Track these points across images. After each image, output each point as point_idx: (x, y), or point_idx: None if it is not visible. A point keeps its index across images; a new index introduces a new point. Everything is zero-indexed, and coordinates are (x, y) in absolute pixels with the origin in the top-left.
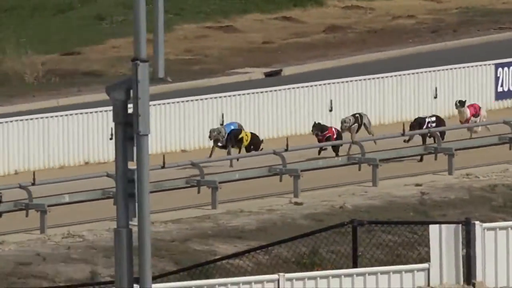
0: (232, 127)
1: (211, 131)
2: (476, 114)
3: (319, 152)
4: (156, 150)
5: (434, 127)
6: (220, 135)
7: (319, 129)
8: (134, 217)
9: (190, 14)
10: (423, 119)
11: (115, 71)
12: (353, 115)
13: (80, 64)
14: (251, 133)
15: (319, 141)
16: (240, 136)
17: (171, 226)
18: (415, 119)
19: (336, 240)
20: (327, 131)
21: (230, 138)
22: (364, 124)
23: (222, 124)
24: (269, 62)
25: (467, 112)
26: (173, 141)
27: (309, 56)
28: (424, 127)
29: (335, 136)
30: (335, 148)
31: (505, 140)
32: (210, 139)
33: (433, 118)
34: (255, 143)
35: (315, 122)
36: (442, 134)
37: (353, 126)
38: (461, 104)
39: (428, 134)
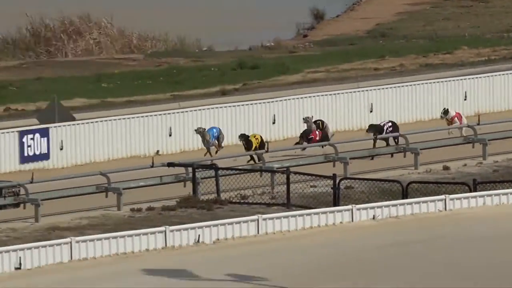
0: (215, 131)
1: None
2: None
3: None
4: None
5: (390, 131)
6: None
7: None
8: None
9: None
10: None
11: None
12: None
13: None
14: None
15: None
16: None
17: None
18: (374, 124)
19: None
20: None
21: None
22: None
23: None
24: None
25: (455, 119)
26: None
27: None
28: (384, 132)
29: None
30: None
31: (468, 140)
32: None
33: (389, 124)
34: (262, 144)
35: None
36: (397, 138)
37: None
38: (445, 112)
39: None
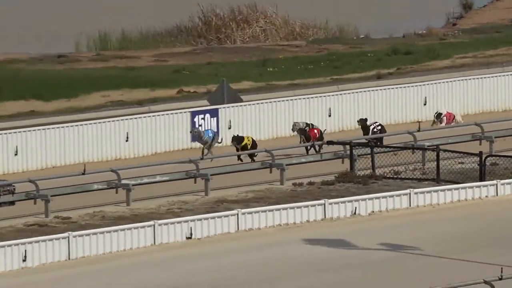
0: (210, 132)
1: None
2: (450, 122)
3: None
4: None
5: (378, 132)
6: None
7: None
8: None
9: None
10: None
11: None
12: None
13: None
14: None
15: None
16: (244, 143)
17: None
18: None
19: None
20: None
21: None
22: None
23: (229, 128)
24: None
25: (444, 121)
26: None
27: None
28: (370, 132)
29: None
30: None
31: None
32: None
33: (378, 122)
34: (254, 146)
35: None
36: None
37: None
38: (438, 116)
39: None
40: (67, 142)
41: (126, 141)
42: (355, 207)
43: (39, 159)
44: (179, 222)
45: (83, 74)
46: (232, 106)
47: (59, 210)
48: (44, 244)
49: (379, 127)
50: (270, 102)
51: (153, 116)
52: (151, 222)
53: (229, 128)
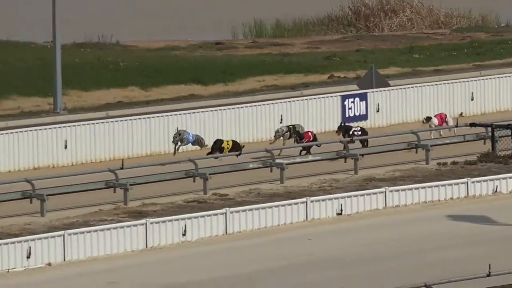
0: (191, 136)
1: (175, 136)
2: (442, 123)
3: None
4: None
5: (359, 135)
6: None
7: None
8: None
9: None
10: (351, 127)
11: None
12: (287, 126)
13: None
14: (232, 140)
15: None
16: (222, 146)
17: None
18: (343, 126)
19: None
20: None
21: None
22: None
23: (377, 111)
24: None
25: (435, 121)
26: None
27: None
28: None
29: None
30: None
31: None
32: (173, 143)
33: (358, 128)
34: (237, 148)
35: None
36: (365, 141)
37: (285, 134)
38: (427, 119)
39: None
40: (224, 123)
41: (280, 122)
42: (496, 186)
43: None
44: (330, 199)
45: (240, 60)
46: (380, 91)
47: (217, 188)
48: (203, 219)
49: (360, 131)
50: (415, 86)
51: (305, 99)
52: (304, 199)
53: (377, 111)
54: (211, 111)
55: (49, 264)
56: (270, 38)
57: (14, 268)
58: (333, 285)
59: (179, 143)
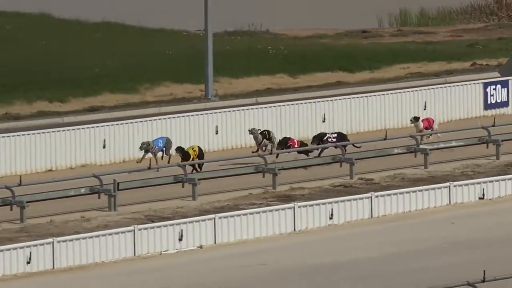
0: (160, 141)
1: (142, 144)
2: (428, 127)
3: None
4: None
5: (334, 141)
6: (149, 147)
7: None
8: None
9: None
10: (324, 134)
11: None
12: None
13: None
14: (198, 147)
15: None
16: (186, 150)
17: None
18: (317, 135)
19: None
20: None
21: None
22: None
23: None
24: None
25: (421, 125)
26: None
27: None
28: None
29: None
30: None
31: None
32: (141, 150)
33: (335, 134)
34: (200, 155)
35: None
36: (345, 147)
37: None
38: (415, 119)
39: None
40: (370, 110)
41: (424, 109)
42: None
43: (344, 125)
44: (472, 184)
45: (385, 48)
46: None
47: (363, 173)
48: (349, 203)
49: (335, 138)
50: None
51: (448, 86)
52: (447, 184)
53: None
54: (357, 97)
55: (200, 247)
56: (415, 26)
57: (167, 250)
58: (476, 267)
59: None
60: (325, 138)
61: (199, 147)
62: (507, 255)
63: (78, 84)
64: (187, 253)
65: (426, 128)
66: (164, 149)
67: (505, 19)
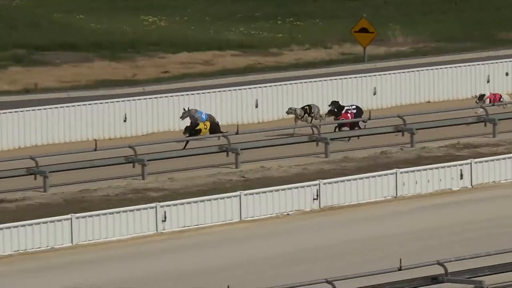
0: (203, 115)
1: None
2: (495, 101)
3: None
4: None
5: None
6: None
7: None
8: None
9: None
10: (343, 107)
11: None
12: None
13: None
14: (210, 122)
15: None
16: (198, 128)
17: None
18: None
19: None
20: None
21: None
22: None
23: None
24: None
25: (487, 101)
26: None
27: None
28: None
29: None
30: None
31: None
32: (182, 119)
33: (354, 107)
34: (215, 129)
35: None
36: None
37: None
38: (480, 97)
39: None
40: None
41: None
42: None
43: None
44: None
45: None
46: None
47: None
48: None
49: (355, 110)
50: None
51: None
52: None
53: None
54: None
55: None
56: None
57: None
58: None
59: None
60: (343, 111)
61: (211, 122)
62: None
63: None
64: None
65: (493, 103)
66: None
67: None
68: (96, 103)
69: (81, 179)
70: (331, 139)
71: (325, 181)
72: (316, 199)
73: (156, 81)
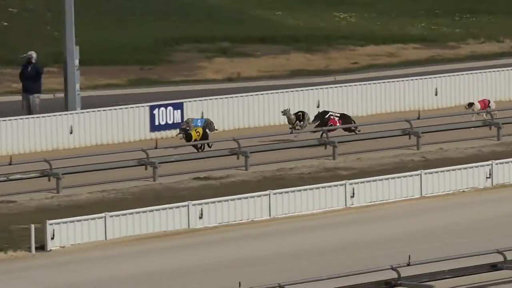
0: (199, 122)
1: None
2: (485, 108)
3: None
4: None
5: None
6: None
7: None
8: None
9: None
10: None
11: None
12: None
13: None
14: (202, 128)
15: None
16: (190, 132)
17: None
18: (321, 112)
19: None
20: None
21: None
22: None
23: None
24: None
25: (478, 106)
26: None
27: None
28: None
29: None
30: None
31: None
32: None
33: (338, 114)
34: (205, 137)
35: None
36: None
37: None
38: (470, 105)
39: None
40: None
41: None
42: None
43: None
44: None
45: None
46: None
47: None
48: None
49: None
50: None
51: None
52: None
53: None
54: None
55: None
56: None
57: None
58: None
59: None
60: (326, 116)
61: (203, 129)
62: None
63: None
64: None
65: (483, 109)
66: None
67: None
68: (292, 91)
69: (278, 159)
70: (503, 124)
71: (497, 161)
72: (489, 177)
73: (346, 71)
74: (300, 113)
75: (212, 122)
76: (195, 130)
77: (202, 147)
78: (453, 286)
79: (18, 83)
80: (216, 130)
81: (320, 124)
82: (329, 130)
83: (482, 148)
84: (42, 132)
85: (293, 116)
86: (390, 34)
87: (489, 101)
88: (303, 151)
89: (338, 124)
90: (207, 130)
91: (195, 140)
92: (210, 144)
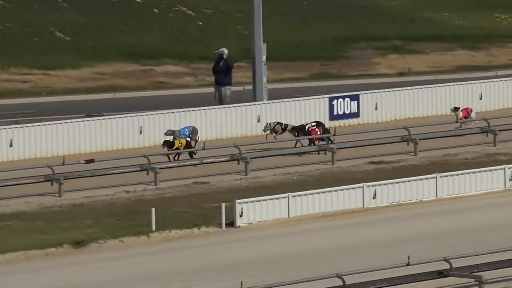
0: (186, 130)
1: (167, 131)
2: (467, 116)
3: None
4: None
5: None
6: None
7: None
8: None
9: None
10: (304, 126)
11: None
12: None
13: None
14: (186, 140)
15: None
16: (175, 146)
17: None
18: (298, 126)
19: None
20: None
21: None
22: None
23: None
24: None
25: (460, 114)
26: None
27: None
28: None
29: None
30: None
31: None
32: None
33: (314, 123)
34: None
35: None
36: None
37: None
38: (455, 109)
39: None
40: None
41: None
42: None
43: None
44: None
45: None
46: None
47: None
48: None
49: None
50: None
51: None
52: None
53: None
54: None
55: None
56: None
57: None
58: None
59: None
60: (307, 129)
61: (187, 141)
62: None
63: None
64: None
65: (465, 117)
66: (189, 137)
67: None
68: (457, 85)
69: (444, 146)
70: None
71: None
72: None
73: (506, 66)
74: (285, 125)
75: (197, 131)
76: (179, 141)
77: (193, 154)
78: None
79: (211, 77)
80: (198, 139)
81: (304, 135)
82: (313, 139)
83: None
84: (232, 121)
85: (278, 127)
86: None
87: (471, 110)
88: (467, 138)
89: (319, 132)
90: (191, 141)
91: (177, 148)
92: (195, 152)
